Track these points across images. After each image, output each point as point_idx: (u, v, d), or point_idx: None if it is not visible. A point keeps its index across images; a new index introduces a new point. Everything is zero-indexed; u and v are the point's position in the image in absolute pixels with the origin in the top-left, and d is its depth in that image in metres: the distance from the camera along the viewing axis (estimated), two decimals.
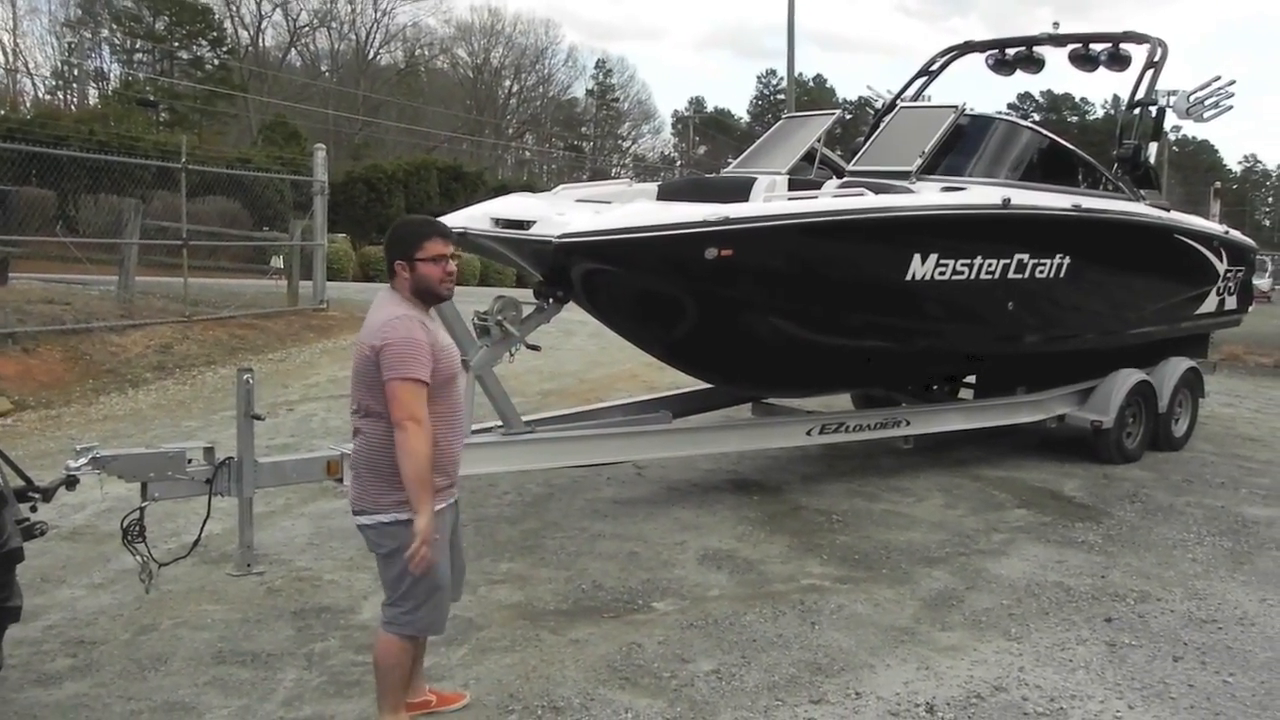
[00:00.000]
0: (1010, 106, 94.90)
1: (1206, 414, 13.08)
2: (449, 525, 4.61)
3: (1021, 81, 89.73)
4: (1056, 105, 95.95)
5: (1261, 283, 38.02)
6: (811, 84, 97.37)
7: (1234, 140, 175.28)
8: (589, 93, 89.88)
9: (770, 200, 8.19)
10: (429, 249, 4.40)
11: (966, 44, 12.57)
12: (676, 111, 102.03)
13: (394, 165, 44.97)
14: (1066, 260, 9.29)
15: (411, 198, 43.12)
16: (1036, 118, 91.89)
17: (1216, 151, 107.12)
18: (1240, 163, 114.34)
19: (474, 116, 74.73)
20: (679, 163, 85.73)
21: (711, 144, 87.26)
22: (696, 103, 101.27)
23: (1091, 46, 11.69)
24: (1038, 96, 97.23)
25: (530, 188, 41.03)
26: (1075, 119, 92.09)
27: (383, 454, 4.33)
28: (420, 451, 4.19)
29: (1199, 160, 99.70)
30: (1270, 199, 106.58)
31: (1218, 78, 10.99)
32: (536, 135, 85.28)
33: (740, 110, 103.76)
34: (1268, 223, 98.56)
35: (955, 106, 9.39)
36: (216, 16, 64.85)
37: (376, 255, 35.81)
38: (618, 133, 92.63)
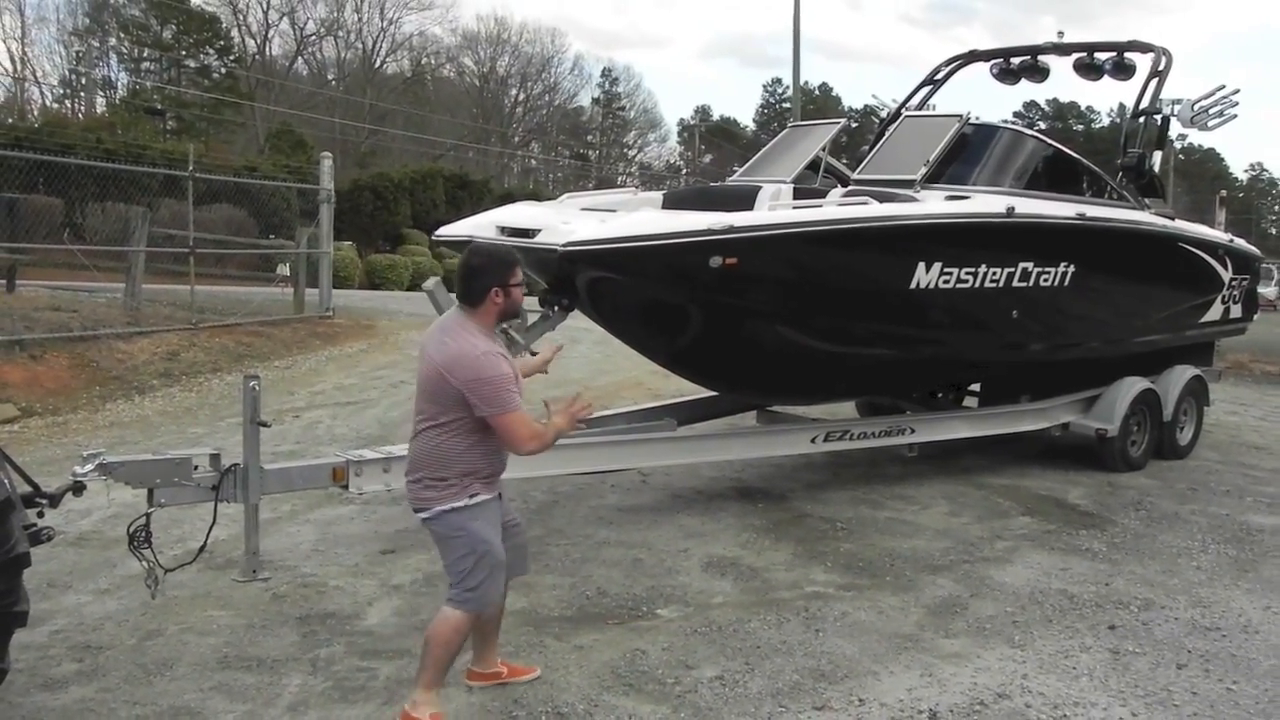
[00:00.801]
0: (1016, 115, 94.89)
1: (1212, 422, 13.08)
2: (499, 512, 4.94)
3: (1027, 90, 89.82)
4: (1062, 114, 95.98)
5: (1267, 291, 38.03)
6: (817, 93, 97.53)
7: (1240, 149, 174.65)
8: (595, 101, 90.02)
9: (775, 209, 8.21)
10: (518, 274, 4.79)
11: (971, 53, 12.60)
12: (682, 120, 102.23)
13: (400, 173, 45.01)
14: (1071, 269, 9.30)
15: (418, 206, 43.18)
16: (1042, 126, 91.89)
17: (1223, 160, 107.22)
18: (1246, 171, 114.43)
19: (480, 125, 74.79)
20: (685, 171, 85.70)
21: (717, 152, 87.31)
22: (702, 111, 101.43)
23: (1096, 55, 11.71)
24: (1043, 105, 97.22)
25: (536, 196, 41.11)
26: (1081, 127, 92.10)
27: (438, 457, 4.73)
28: (548, 439, 4.77)
29: (1205, 168, 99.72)
30: (1276, 207, 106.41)
31: (1222, 86, 11.03)
32: (542, 144, 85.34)
33: (746, 119, 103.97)
34: (1274, 230, 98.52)
35: (960, 115, 9.41)
36: (224, 25, 65.09)
37: (382, 263, 35.95)
38: (624, 141, 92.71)
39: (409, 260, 36.43)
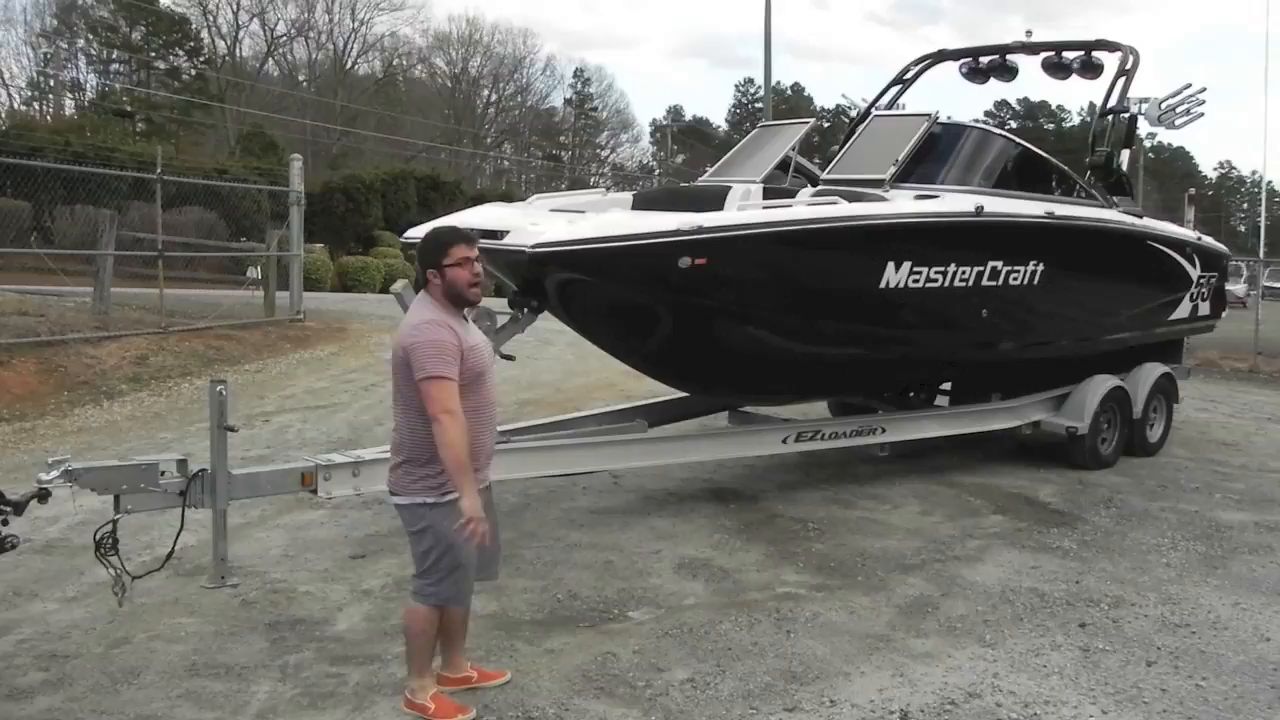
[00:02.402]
0: (987, 114, 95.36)
1: (1181, 419, 13.15)
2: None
3: (998, 89, 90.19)
4: (1033, 112, 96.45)
5: (1236, 288, 38.21)
6: (790, 92, 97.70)
7: (1209, 147, 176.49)
8: (567, 102, 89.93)
9: (744, 209, 8.21)
10: (454, 254, 4.81)
11: (940, 52, 12.63)
12: (655, 120, 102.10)
13: (372, 175, 44.77)
14: (1040, 267, 9.34)
15: (389, 207, 42.98)
16: (1013, 125, 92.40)
17: (1192, 158, 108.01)
18: (1216, 169, 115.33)
19: (452, 126, 74.61)
20: (657, 171, 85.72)
21: (690, 153, 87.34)
22: (674, 112, 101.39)
23: (1064, 54, 11.76)
24: (1014, 104, 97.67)
25: (508, 197, 40.97)
26: (1051, 126, 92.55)
27: (413, 443, 4.81)
28: (456, 441, 4.59)
29: (1175, 167, 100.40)
30: (1245, 205, 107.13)
31: (1189, 85, 11.09)
32: (515, 145, 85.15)
33: (719, 119, 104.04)
34: (1243, 228, 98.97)
35: (928, 115, 9.43)
36: (193, 26, 64.63)
37: (354, 265, 35.76)
38: (596, 142, 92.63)
39: (381, 262, 36.21)
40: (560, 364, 15.83)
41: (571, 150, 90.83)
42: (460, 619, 5.17)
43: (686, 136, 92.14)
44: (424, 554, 4.88)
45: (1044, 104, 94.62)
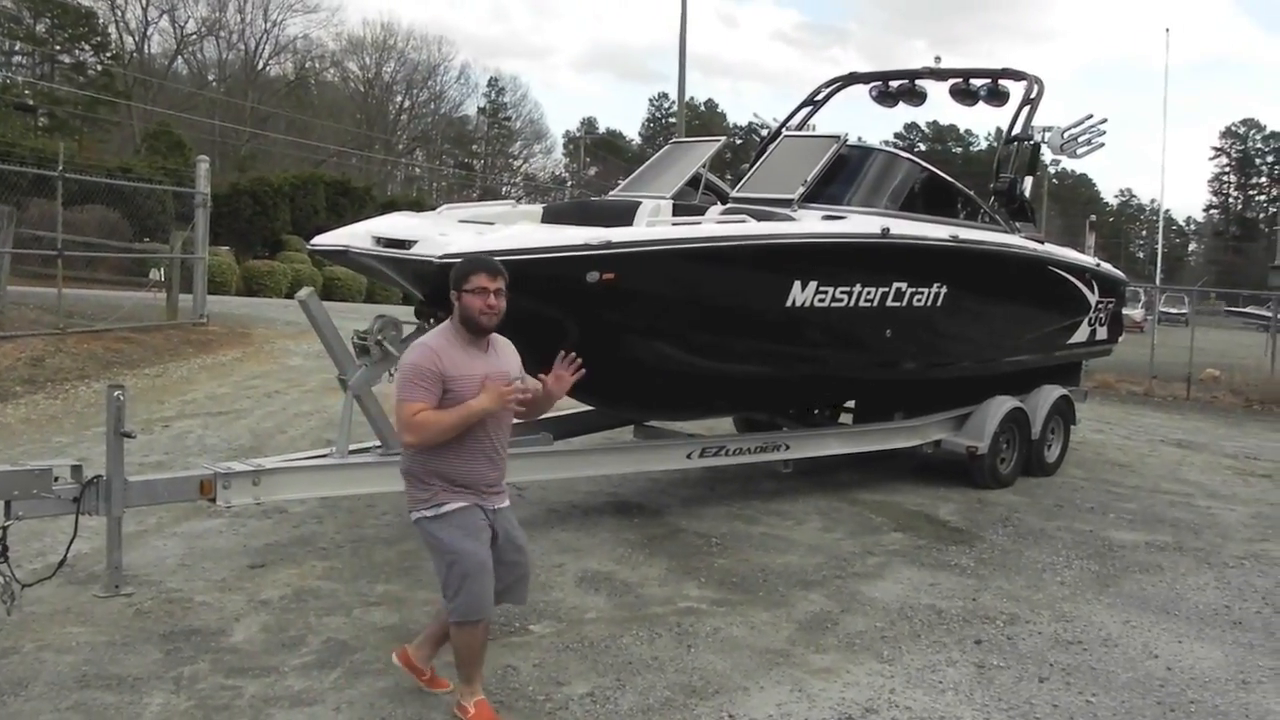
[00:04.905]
0: (897, 136, 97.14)
1: (1079, 440, 13.44)
2: (479, 524, 4.97)
3: (908, 112, 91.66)
4: (942, 136, 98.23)
5: (1134, 313, 39.11)
6: (703, 108, 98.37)
7: (1111, 175, 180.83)
8: (481, 110, 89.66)
9: (653, 225, 8.25)
10: (472, 281, 4.96)
11: (851, 75, 12.82)
12: (568, 132, 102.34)
13: (280, 178, 44.23)
14: (944, 290, 9.49)
15: (298, 211, 42.49)
16: (922, 148, 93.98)
17: (1094, 185, 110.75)
18: (1117, 196, 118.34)
19: (364, 131, 74.00)
20: (570, 183, 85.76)
21: (603, 165, 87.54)
22: (588, 124, 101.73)
23: (971, 81, 12.00)
24: (924, 127, 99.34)
25: (419, 204, 40.83)
26: (959, 150, 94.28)
27: (410, 462, 4.99)
28: (433, 428, 4.79)
29: (1078, 193, 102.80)
30: (1144, 232, 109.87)
31: (1090, 115, 11.36)
32: (427, 152, 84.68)
33: (632, 132, 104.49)
34: (1141, 254, 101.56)
35: (837, 136, 9.55)
36: (101, 21, 63.31)
37: (260, 269, 35.29)
38: (509, 151, 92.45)
39: (289, 267, 35.79)
40: None
41: (484, 159, 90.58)
42: (443, 625, 5.21)
43: (599, 149, 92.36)
44: (438, 571, 5.01)
45: (953, 128, 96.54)
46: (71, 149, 38.81)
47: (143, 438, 10.58)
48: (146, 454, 9.90)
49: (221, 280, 30.66)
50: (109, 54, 63.48)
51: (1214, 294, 46.62)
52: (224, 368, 15.71)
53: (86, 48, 62.75)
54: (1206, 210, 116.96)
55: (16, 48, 62.11)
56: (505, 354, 5.21)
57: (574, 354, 5.19)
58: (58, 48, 61.92)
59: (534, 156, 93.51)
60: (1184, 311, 28.89)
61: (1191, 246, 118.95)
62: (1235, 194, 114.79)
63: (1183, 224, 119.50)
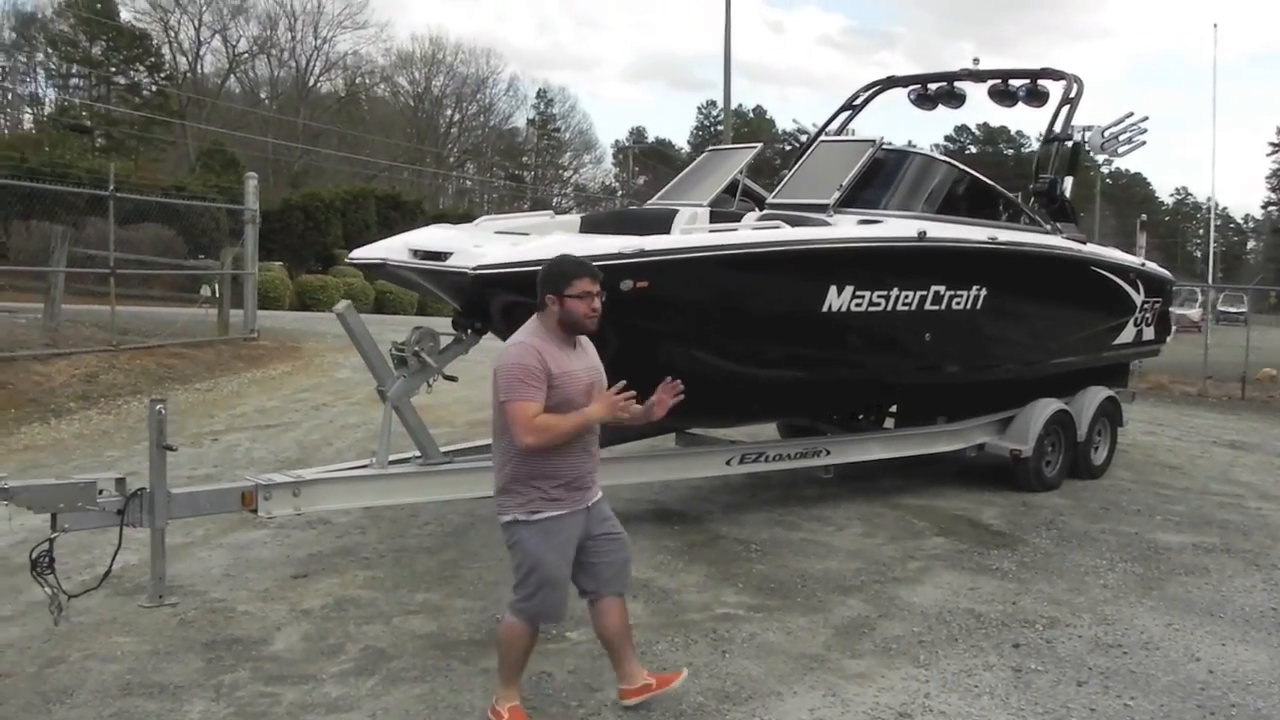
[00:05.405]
0: (947, 139, 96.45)
1: (1128, 442, 13.32)
2: (570, 535, 5.08)
3: (959, 115, 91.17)
4: (993, 138, 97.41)
5: (1191, 313, 38.62)
6: (752, 115, 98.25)
7: (1166, 173, 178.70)
8: (530, 122, 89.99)
9: (689, 232, 8.28)
10: (577, 286, 4.98)
11: (889, 79, 12.79)
12: (618, 141, 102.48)
13: (331, 193, 44.70)
14: (983, 292, 9.44)
15: (349, 226, 42.87)
16: (973, 150, 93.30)
17: (1149, 184, 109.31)
18: (1172, 195, 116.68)
19: (415, 145, 74.56)
20: (620, 193, 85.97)
21: (652, 174, 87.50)
22: (637, 133, 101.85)
23: (1010, 82, 11.94)
24: (974, 129, 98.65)
25: (469, 217, 40.68)
26: (1011, 151, 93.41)
27: (505, 463, 5.04)
28: (552, 432, 4.85)
29: (1133, 193, 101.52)
30: (1200, 231, 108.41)
31: (1131, 114, 11.29)
32: (478, 164, 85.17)
33: (681, 140, 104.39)
34: (1198, 254, 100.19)
35: (873, 140, 9.52)
36: (155, 42, 64.40)
37: (313, 284, 35.65)
38: (559, 162, 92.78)
39: (340, 281, 36.11)
40: None
41: (534, 171, 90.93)
42: (618, 633, 5.30)
43: (648, 158, 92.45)
44: (516, 569, 5.07)
45: (1003, 129, 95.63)
46: (127, 169, 39.40)
47: (192, 451, 10.77)
48: (195, 466, 10.06)
49: (275, 295, 31.01)
50: (163, 74, 64.59)
51: (1275, 293, 45.83)
52: (273, 381, 15.93)
53: (141, 69, 63.92)
54: (1265, 207, 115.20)
55: (74, 70, 63.24)
56: (591, 350, 5.30)
57: (678, 380, 5.31)
58: (113, 69, 63.05)
59: (584, 167, 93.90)
60: (1243, 311, 28.44)
61: (1250, 244, 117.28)
62: None
63: (1240, 222, 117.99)
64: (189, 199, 29.84)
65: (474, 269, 6.87)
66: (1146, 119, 11.16)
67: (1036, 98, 11.73)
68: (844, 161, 9.43)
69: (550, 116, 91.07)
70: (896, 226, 8.87)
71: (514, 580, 5.09)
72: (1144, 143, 11.29)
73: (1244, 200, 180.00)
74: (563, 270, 5.09)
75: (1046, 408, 10.76)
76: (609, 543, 5.24)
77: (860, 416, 11.38)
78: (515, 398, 4.83)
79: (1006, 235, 9.90)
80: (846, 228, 8.66)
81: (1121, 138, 11.20)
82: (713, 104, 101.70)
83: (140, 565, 6.98)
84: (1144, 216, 25.42)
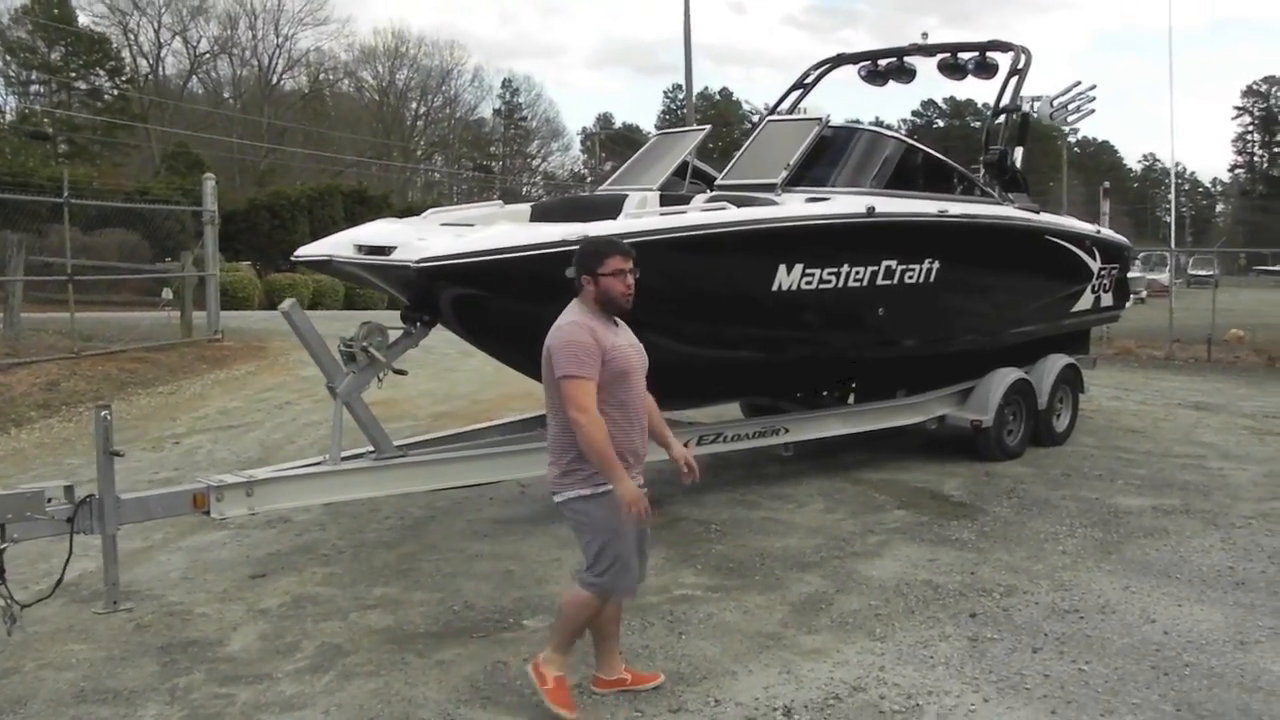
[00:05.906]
0: (914, 114, 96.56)
1: (1092, 408, 13.39)
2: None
3: (926, 89, 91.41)
4: (959, 111, 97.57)
5: (1161, 277, 38.81)
6: (718, 97, 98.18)
7: (1134, 140, 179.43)
8: (496, 112, 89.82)
9: (638, 216, 8.26)
10: (610, 264, 5.05)
11: (839, 56, 12.80)
12: (585, 128, 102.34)
13: (297, 191, 44.56)
14: (936, 265, 9.47)
15: (316, 223, 42.60)
16: (940, 124, 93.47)
17: (1116, 152, 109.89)
18: (1140, 161, 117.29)
19: (381, 140, 74.26)
20: (589, 179, 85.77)
21: (620, 160, 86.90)
22: (604, 119, 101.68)
23: (959, 55, 11.93)
24: (941, 103, 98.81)
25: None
26: (978, 124, 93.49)
27: (560, 441, 5.06)
28: (595, 436, 4.82)
29: (1100, 160, 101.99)
30: (1169, 196, 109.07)
31: (1078, 83, 11.34)
32: (445, 156, 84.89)
33: (648, 125, 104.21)
34: (1168, 219, 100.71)
35: (819, 119, 9.52)
36: (114, 46, 63.92)
37: (282, 282, 35.49)
38: (527, 151, 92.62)
39: (310, 279, 35.97)
40: (479, 375, 15.76)
41: (502, 160, 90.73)
42: (613, 619, 5.39)
43: (616, 144, 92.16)
44: (588, 544, 5.10)
45: (970, 102, 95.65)
46: (90, 174, 39.11)
47: (153, 455, 10.74)
48: (157, 470, 10.03)
49: (244, 295, 30.91)
50: (124, 78, 64.16)
51: (1242, 255, 46.13)
52: (237, 382, 15.86)
53: (101, 73, 63.42)
54: (1231, 170, 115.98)
55: (33, 77, 62.69)
56: (629, 330, 5.30)
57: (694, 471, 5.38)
58: (73, 74, 62.50)
59: (552, 155, 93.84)
60: (1213, 274, 28.57)
61: (1219, 207, 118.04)
62: (1260, 152, 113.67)
63: (1209, 185, 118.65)
64: (152, 202, 29.70)
65: (417, 262, 6.85)
66: (1094, 87, 11.22)
67: (985, 70, 11.73)
68: (791, 140, 9.42)
69: (516, 106, 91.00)
70: (844, 203, 8.87)
71: (586, 556, 5.12)
72: (1093, 110, 11.34)
73: (1212, 164, 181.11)
74: (595, 250, 5.17)
75: (1006, 377, 10.81)
76: (639, 532, 5.24)
77: (825, 393, 11.38)
78: (570, 373, 4.86)
79: (957, 208, 9.91)
80: (793, 206, 8.66)
81: (1070, 106, 11.24)
82: (678, 88, 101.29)
83: (97, 572, 6.91)
84: (1107, 184, 25.50)
